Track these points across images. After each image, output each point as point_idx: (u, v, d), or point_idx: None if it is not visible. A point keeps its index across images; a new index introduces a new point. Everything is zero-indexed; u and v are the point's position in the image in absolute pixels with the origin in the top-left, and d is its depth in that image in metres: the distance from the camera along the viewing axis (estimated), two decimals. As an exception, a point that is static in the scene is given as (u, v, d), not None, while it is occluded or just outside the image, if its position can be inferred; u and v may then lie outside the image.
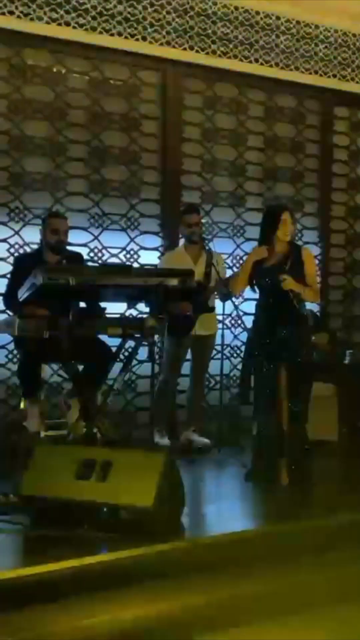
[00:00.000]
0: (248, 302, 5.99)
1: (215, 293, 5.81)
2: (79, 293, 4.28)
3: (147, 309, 4.44)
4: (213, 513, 4.41)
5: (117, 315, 4.45)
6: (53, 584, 3.27)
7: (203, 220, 6.20)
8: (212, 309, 5.92)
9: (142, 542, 3.57)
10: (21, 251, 5.77)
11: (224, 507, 4.57)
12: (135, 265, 6.25)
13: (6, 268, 5.62)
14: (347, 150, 7.47)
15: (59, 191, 6.02)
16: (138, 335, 4.40)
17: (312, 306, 5.89)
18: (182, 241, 6.11)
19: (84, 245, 6.06)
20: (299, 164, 7.17)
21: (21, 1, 5.69)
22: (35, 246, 5.61)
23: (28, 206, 5.87)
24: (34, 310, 4.52)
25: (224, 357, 6.01)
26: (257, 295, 5.11)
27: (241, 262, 6.55)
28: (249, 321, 5.36)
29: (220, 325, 5.94)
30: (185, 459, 5.33)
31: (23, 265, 4.96)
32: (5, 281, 5.42)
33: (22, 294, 4.32)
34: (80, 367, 4.88)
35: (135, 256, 6.34)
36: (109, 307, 4.49)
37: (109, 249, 6.22)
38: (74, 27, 5.89)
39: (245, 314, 5.95)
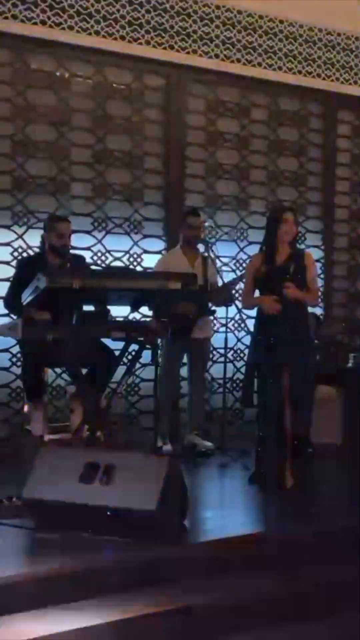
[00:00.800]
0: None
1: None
2: (83, 296, 4.28)
3: (150, 312, 4.44)
4: (216, 516, 4.40)
5: (121, 319, 4.46)
6: (57, 587, 3.28)
7: (206, 224, 6.21)
8: (213, 312, 5.92)
9: (146, 546, 3.57)
10: (25, 255, 5.78)
11: (228, 510, 4.57)
12: (139, 268, 6.26)
13: (10, 271, 5.62)
14: (350, 153, 7.47)
15: (62, 195, 6.04)
16: (141, 339, 4.41)
17: (314, 309, 5.89)
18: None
19: (88, 248, 6.06)
20: (302, 168, 7.18)
21: (25, 5, 5.71)
22: (37, 249, 5.61)
23: (31, 210, 5.88)
24: (35, 314, 4.52)
25: (227, 360, 6.00)
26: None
27: (244, 265, 6.56)
28: (252, 325, 5.35)
29: (223, 329, 5.92)
30: (189, 462, 5.33)
31: (26, 268, 4.96)
32: (8, 284, 5.42)
33: (26, 297, 4.32)
34: (84, 371, 4.89)
35: (139, 260, 6.34)
36: (112, 311, 4.49)
37: (112, 253, 6.22)
38: (78, 32, 5.91)
39: (249, 317, 5.95)
